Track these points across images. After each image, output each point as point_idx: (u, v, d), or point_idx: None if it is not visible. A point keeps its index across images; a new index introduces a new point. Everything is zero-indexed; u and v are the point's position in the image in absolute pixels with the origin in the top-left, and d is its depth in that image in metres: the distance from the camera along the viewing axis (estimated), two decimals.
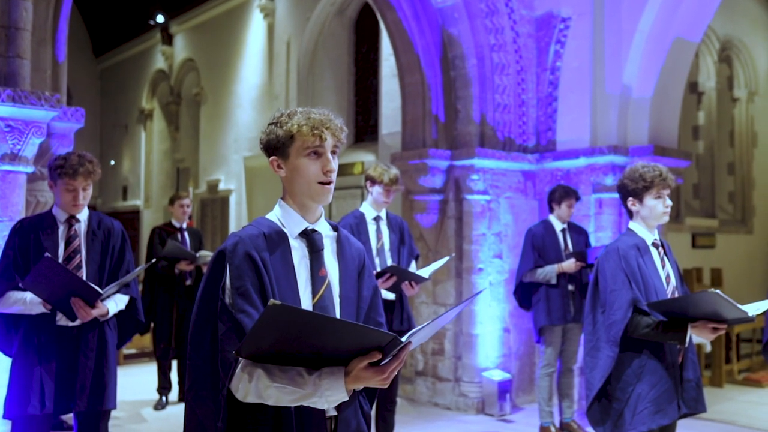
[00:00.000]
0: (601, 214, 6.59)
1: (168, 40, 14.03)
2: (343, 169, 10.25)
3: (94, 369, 3.50)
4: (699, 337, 2.96)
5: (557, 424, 5.86)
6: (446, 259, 4.87)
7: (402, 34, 6.85)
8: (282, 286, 1.92)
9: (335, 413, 2.01)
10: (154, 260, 3.98)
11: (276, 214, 2.07)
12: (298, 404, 1.83)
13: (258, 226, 2.02)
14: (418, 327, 1.76)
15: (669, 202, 3.21)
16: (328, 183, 2.00)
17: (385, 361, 1.78)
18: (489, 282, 6.69)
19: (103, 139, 16.83)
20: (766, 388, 7.77)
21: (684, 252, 9.53)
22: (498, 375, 6.50)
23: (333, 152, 2.01)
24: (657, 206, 3.19)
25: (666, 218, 3.24)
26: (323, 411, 1.96)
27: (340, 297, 2.04)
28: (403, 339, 1.74)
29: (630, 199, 3.23)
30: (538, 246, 5.67)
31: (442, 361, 6.83)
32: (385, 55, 8.46)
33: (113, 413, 6.34)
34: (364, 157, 10.09)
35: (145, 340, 8.92)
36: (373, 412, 4.92)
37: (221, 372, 1.85)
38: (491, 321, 6.70)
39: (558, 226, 5.77)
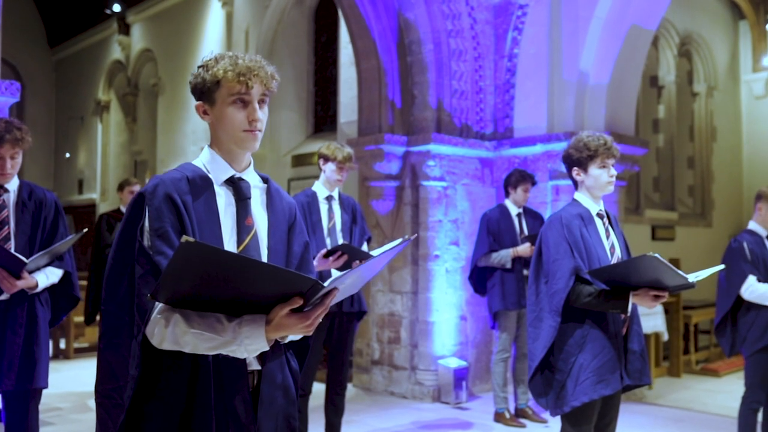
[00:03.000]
0: (558, 200, 6.56)
1: (125, 29, 13.76)
2: (302, 159, 10.13)
3: (23, 345, 3.34)
4: (641, 304, 2.91)
5: (512, 410, 5.81)
6: (399, 240, 4.78)
7: (358, 19, 6.75)
8: (204, 232, 1.83)
9: (259, 367, 1.91)
10: (85, 230, 3.81)
11: (202, 160, 1.97)
12: (216, 352, 1.74)
13: (182, 170, 1.92)
14: (343, 272, 1.67)
15: (614, 172, 3.16)
16: (254, 131, 1.91)
17: (308, 308, 1.69)
18: (445, 269, 6.62)
19: (59, 131, 16.44)
20: (723, 377, 7.83)
21: (644, 244, 9.57)
22: (454, 363, 6.43)
23: (261, 101, 1.92)
24: (602, 176, 3.13)
25: (611, 188, 3.18)
26: (244, 364, 1.86)
27: (268, 249, 1.95)
28: (326, 284, 1.65)
29: (575, 168, 3.17)
30: (494, 230, 5.62)
31: (398, 349, 6.75)
32: (344, 43, 8.35)
33: (58, 403, 6.21)
34: None
35: (96, 334, 8.69)
36: (322, 397, 4.83)
37: (137, 317, 1.75)
38: (448, 309, 6.63)
39: (514, 210, 5.72)
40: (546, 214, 6.39)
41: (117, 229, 5.97)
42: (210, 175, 1.92)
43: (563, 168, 6.54)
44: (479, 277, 5.71)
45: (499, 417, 5.70)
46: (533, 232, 5.65)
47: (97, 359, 1.86)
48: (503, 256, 5.51)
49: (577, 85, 6.62)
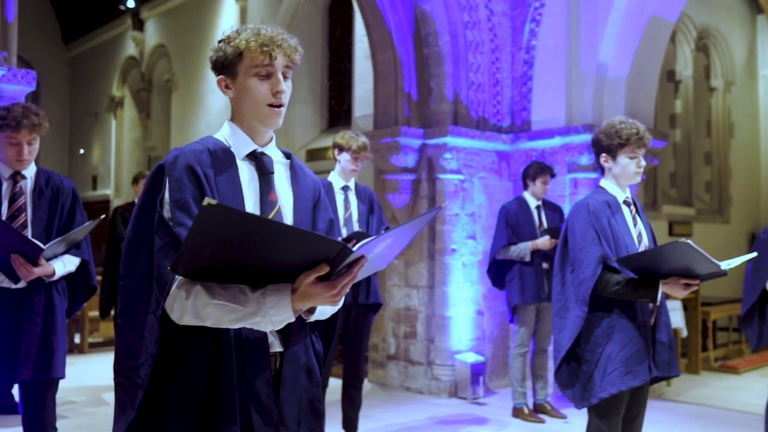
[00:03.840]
0: (576, 194, 6.47)
1: (139, 25, 13.76)
2: (317, 154, 10.08)
3: (40, 335, 3.29)
4: (671, 293, 2.83)
5: (530, 406, 5.74)
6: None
7: (374, 10, 6.69)
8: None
9: (281, 349, 1.84)
10: (103, 216, 3.77)
11: (223, 134, 1.91)
12: (240, 325, 1.67)
13: (203, 142, 1.86)
14: (372, 238, 1.58)
15: (643, 163, 3.08)
16: (279, 105, 1.84)
17: (336, 274, 1.62)
18: (462, 263, 6.55)
19: (73, 128, 16.49)
20: (742, 374, 7.72)
21: (661, 240, 9.39)
22: (471, 358, 6.36)
23: (285, 73, 1.85)
24: (630, 165, 3.05)
25: (638, 179, 3.11)
26: (266, 343, 1.80)
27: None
28: (354, 249, 1.56)
29: (603, 155, 3.09)
30: (512, 223, 5.54)
31: (414, 344, 6.69)
32: (359, 37, 8.30)
33: (73, 397, 6.19)
34: None
35: (111, 329, 8.68)
36: (339, 390, 4.78)
37: (156, 291, 1.69)
38: (464, 303, 6.56)
39: (532, 203, 5.65)
40: (564, 209, 6.31)
41: None
42: (231, 149, 1.86)
43: (582, 161, 6.53)
44: (497, 271, 5.64)
45: (517, 412, 5.62)
46: (552, 225, 5.58)
47: (115, 336, 1.80)
48: (522, 249, 5.44)
49: (596, 77, 6.53)
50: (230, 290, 1.63)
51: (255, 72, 1.81)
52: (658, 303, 2.85)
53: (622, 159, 3.04)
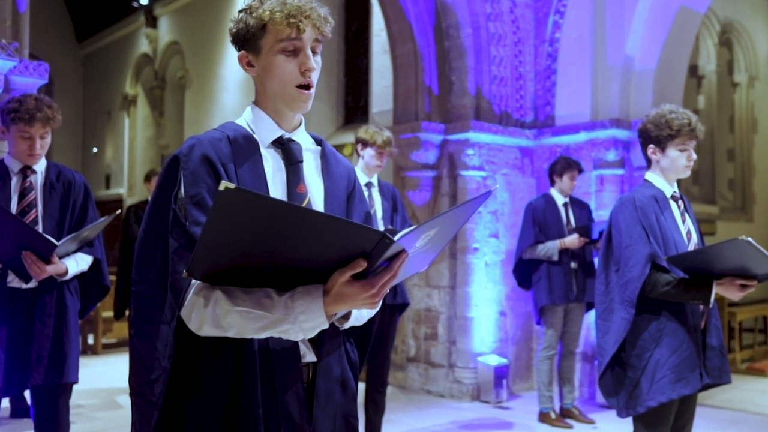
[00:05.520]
0: (603, 191, 6.27)
1: (152, 22, 13.65)
2: None
3: (52, 337, 3.13)
4: (726, 295, 2.63)
5: (557, 410, 5.54)
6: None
7: (393, 2, 6.50)
8: None
9: (314, 359, 1.64)
10: (118, 212, 3.60)
11: (246, 119, 1.70)
12: (267, 334, 1.46)
13: (223, 129, 1.66)
14: (414, 227, 1.35)
15: (694, 156, 2.88)
16: (308, 87, 1.64)
17: (372, 275, 1.41)
18: (485, 262, 6.36)
19: (86, 126, 16.42)
20: None
21: None
22: (494, 360, 6.17)
23: (314, 49, 1.64)
24: (680, 158, 2.85)
25: (687, 173, 2.91)
26: (298, 354, 1.60)
27: None
28: (396, 238, 1.33)
29: (651, 146, 2.88)
30: (539, 221, 5.35)
31: (435, 346, 6.50)
32: (376, 31, 8.11)
33: (86, 400, 6.04)
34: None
35: (125, 330, 8.55)
36: (361, 394, 4.59)
37: (171, 298, 1.49)
38: (487, 304, 6.37)
39: (560, 200, 5.46)
40: (591, 205, 6.10)
41: None
42: (255, 136, 1.66)
43: (608, 157, 6.32)
44: (524, 271, 5.44)
45: (544, 417, 5.43)
46: (581, 223, 5.39)
47: (129, 349, 1.61)
48: (549, 248, 5.24)
49: (623, 70, 6.32)
50: (254, 295, 1.44)
51: (281, 47, 1.61)
52: (711, 306, 2.66)
53: (672, 151, 2.84)
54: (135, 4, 13.48)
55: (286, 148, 1.67)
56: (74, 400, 5.76)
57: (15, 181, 3.14)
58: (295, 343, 1.60)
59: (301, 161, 1.68)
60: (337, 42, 10.65)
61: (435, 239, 1.46)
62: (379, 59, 8.12)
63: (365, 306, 1.44)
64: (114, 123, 15.37)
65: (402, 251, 1.38)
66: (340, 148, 9.62)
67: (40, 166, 3.21)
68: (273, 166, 1.65)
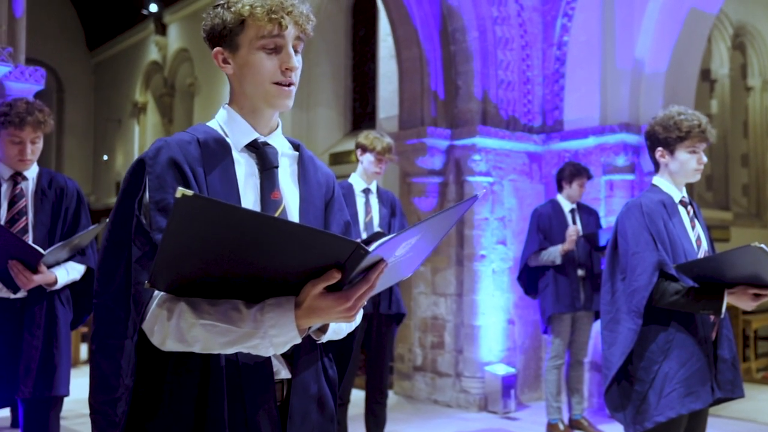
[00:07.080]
0: (612, 197, 6.15)
1: (162, 30, 13.67)
2: (340, 157, 9.83)
3: (41, 349, 3.04)
4: (738, 304, 2.51)
5: (566, 421, 5.41)
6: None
7: (398, 6, 6.42)
8: None
9: (288, 375, 1.54)
10: (107, 220, 3.51)
11: (218, 121, 1.61)
12: (234, 350, 1.37)
13: (193, 131, 1.56)
14: (392, 235, 1.25)
15: (704, 159, 2.76)
16: (288, 84, 1.54)
17: (347, 287, 1.31)
18: (492, 270, 6.25)
19: (97, 134, 16.48)
20: None
21: None
22: (502, 369, 6.05)
23: (295, 47, 1.55)
24: (690, 161, 2.74)
25: (697, 176, 2.80)
26: (270, 369, 1.50)
27: None
28: (371, 248, 1.23)
29: (659, 149, 2.77)
30: (545, 228, 5.23)
31: (441, 355, 6.38)
32: (383, 36, 8.04)
33: (80, 409, 5.94)
34: None
35: None
36: (361, 405, 4.49)
37: (133, 310, 1.40)
38: (494, 312, 6.25)
39: (567, 206, 5.34)
40: (600, 212, 5.98)
41: None
42: (227, 139, 1.56)
43: (618, 162, 6.20)
44: (529, 278, 5.33)
45: (552, 428, 5.30)
46: (588, 230, 5.27)
47: (90, 365, 1.51)
48: (552, 253, 5.13)
49: (632, 74, 6.21)
50: (221, 307, 1.34)
51: (261, 44, 1.51)
52: (722, 316, 2.54)
53: (681, 154, 2.72)
54: (145, 12, 13.50)
55: (260, 152, 1.58)
56: (77, 409, 5.72)
57: (5, 188, 3.07)
58: (268, 358, 1.50)
59: (277, 166, 1.58)
60: (345, 47, 10.60)
61: (418, 246, 1.37)
62: (386, 64, 8.05)
63: (340, 320, 1.35)
64: (124, 130, 15.41)
65: (380, 261, 1.29)
66: (347, 154, 9.55)
67: (32, 172, 3.14)
68: (246, 171, 1.56)
